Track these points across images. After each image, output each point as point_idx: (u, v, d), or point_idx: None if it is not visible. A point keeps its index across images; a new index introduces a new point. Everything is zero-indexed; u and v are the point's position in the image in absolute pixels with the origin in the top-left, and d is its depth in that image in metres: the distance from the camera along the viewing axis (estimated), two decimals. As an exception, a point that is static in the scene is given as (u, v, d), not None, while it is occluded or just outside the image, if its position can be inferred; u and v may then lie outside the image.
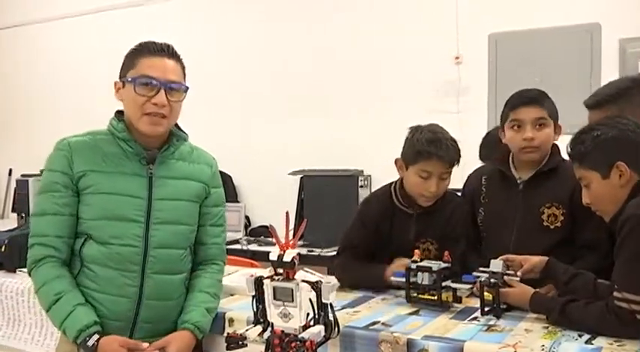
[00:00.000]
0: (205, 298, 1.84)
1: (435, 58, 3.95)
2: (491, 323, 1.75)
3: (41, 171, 1.89)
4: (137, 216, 1.74)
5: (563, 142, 1.87)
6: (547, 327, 1.68)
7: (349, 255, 2.20)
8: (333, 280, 1.81)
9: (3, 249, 2.61)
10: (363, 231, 2.17)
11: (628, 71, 3.34)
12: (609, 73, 3.44)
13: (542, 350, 1.52)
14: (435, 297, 1.88)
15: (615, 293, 1.57)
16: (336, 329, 1.46)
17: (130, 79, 1.74)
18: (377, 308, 1.93)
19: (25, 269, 1.81)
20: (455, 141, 2.06)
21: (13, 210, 4.81)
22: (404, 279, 1.94)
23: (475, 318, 1.80)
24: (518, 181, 2.11)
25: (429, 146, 2.00)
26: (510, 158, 2.15)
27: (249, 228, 4.51)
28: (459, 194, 2.30)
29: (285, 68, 4.45)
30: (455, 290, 1.89)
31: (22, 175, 4.81)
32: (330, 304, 1.44)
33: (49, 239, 1.72)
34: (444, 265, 1.89)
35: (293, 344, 1.38)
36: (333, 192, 3.97)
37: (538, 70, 3.62)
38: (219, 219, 1.93)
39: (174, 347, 1.71)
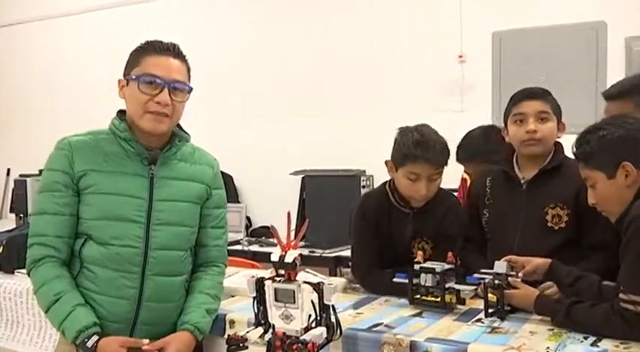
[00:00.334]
0: (206, 299, 1.84)
1: (439, 56, 3.95)
2: (496, 325, 1.75)
3: (40, 171, 1.90)
4: (138, 217, 1.74)
5: (568, 141, 1.87)
6: (552, 329, 1.69)
7: (367, 269, 2.17)
8: (334, 281, 1.81)
9: (1, 250, 2.61)
10: (366, 230, 2.17)
11: (634, 70, 3.33)
12: (615, 72, 3.44)
13: (547, 352, 1.53)
14: (439, 299, 1.88)
15: (621, 295, 1.57)
16: (338, 331, 1.46)
17: (134, 77, 1.74)
18: (380, 310, 1.94)
19: (23, 271, 1.82)
20: (443, 143, 2.05)
21: (11, 210, 4.82)
22: (407, 280, 1.94)
23: (479, 320, 1.80)
24: (522, 181, 2.11)
25: (415, 149, 2.00)
26: (514, 158, 2.15)
27: (250, 229, 4.52)
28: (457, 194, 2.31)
29: (285, 68, 4.46)
30: (458, 291, 1.89)
31: (21, 175, 4.81)
32: (332, 305, 1.44)
33: (48, 239, 1.73)
34: (447, 266, 1.90)
35: (294, 347, 1.38)
36: (335, 193, 3.96)
37: (543, 69, 3.62)
38: (220, 220, 1.94)
39: (174, 347, 1.71)
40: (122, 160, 1.77)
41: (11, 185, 5.04)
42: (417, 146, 2.00)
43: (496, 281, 1.82)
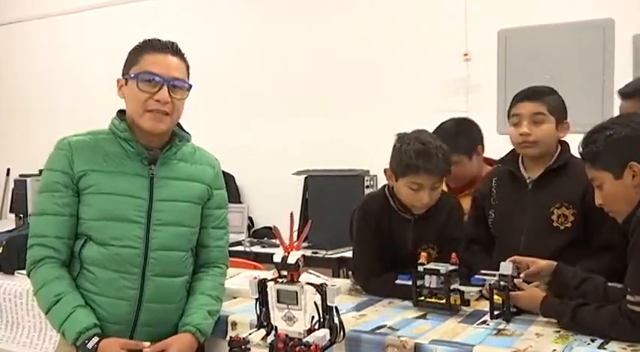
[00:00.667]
0: (207, 301, 1.84)
1: (443, 55, 3.95)
2: (501, 327, 1.75)
3: (40, 171, 1.90)
4: (138, 217, 1.75)
5: (575, 141, 1.87)
6: (558, 331, 1.68)
7: (368, 270, 2.16)
8: (338, 282, 1.82)
9: (1, 251, 2.62)
10: (367, 231, 2.16)
11: (642, 68, 3.34)
12: (623, 71, 3.44)
13: (553, 354, 1.53)
14: (443, 300, 1.88)
15: (628, 297, 1.56)
16: (342, 333, 1.46)
17: (132, 75, 1.75)
18: (383, 312, 1.94)
19: (23, 272, 1.83)
20: (444, 149, 2.03)
21: (11, 210, 4.83)
22: (410, 282, 1.94)
23: (484, 322, 1.80)
24: (528, 181, 2.11)
25: (417, 159, 1.97)
26: (520, 158, 2.15)
27: (252, 230, 4.52)
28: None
29: (285, 68, 4.48)
30: (463, 293, 1.89)
31: (20, 175, 4.82)
32: (336, 307, 1.44)
33: (48, 239, 1.73)
34: (451, 267, 1.89)
35: (297, 349, 1.39)
36: (339, 193, 3.96)
37: (549, 67, 3.62)
38: (221, 221, 1.94)
39: (175, 349, 1.71)
40: (122, 160, 1.77)
41: (11, 185, 5.06)
42: (419, 156, 1.97)
43: (501, 283, 1.82)
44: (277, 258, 1.43)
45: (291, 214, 1.48)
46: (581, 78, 3.56)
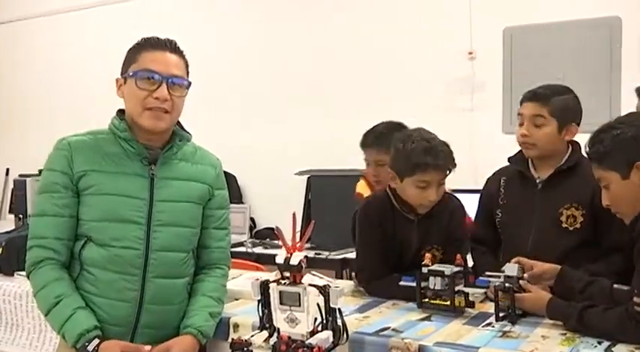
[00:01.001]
0: (209, 302, 1.84)
1: (448, 54, 3.94)
2: (507, 329, 1.75)
3: (39, 171, 1.91)
4: (138, 218, 1.75)
5: (583, 141, 1.86)
6: (565, 333, 1.68)
7: (372, 272, 2.15)
8: (341, 284, 1.82)
9: (0, 252, 2.63)
10: (370, 232, 2.16)
11: (650, 67, 3.33)
12: (630, 69, 3.43)
13: (560, 357, 1.53)
14: (448, 302, 1.88)
15: (635, 299, 1.56)
16: (345, 335, 1.46)
17: (131, 74, 1.75)
18: (387, 314, 1.94)
19: (23, 273, 1.83)
20: (447, 145, 2.04)
21: (11, 211, 4.83)
22: (414, 284, 1.94)
23: (489, 324, 1.80)
24: (537, 181, 2.11)
25: (425, 156, 1.98)
26: (530, 158, 2.15)
27: (255, 230, 4.52)
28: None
29: (285, 68, 4.49)
30: (468, 294, 1.89)
31: (20, 175, 4.83)
32: (339, 309, 1.44)
33: (48, 241, 1.73)
34: (456, 269, 1.89)
35: (300, 351, 1.39)
36: (342, 193, 3.95)
37: (555, 66, 3.61)
38: (223, 221, 1.94)
39: (176, 351, 1.71)
40: (122, 160, 1.77)
41: (10, 185, 5.06)
42: (427, 154, 1.98)
43: (507, 284, 1.82)
44: (280, 259, 1.43)
45: (294, 215, 1.49)
46: (588, 76, 3.55)
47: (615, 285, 1.74)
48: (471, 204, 2.31)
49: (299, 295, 1.42)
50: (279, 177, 4.41)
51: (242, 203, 4.54)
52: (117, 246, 1.73)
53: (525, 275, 1.85)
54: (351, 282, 2.29)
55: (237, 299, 2.10)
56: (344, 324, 1.46)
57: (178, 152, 1.85)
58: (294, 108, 4.45)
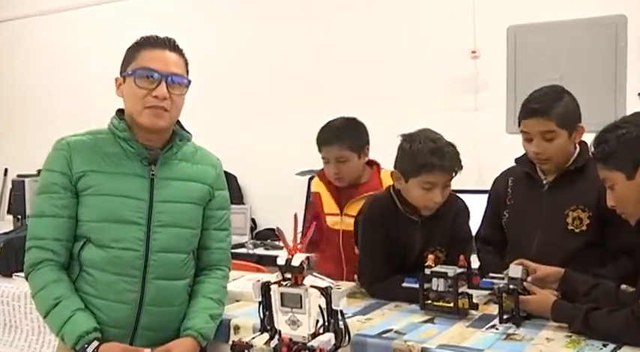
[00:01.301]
0: (209, 304, 1.84)
1: (451, 53, 3.94)
2: (511, 331, 1.75)
3: (38, 171, 1.91)
4: (138, 219, 1.75)
5: (589, 141, 1.86)
6: (570, 336, 1.68)
7: (374, 275, 2.16)
8: (343, 285, 1.82)
9: (-1, 253, 2.63)
10: (373, 234, 2.16)
11: (655, 66, 3.33)
12: (635, 68, 3.43)
13: (565, 360, 1.53)
14: (451, 304, 1.88)
15: (641, 301, 1.56)
16: (347, 337, 1.46)
17: (130, 72, 1.75)
18: (390, 316, 1.94)
19: (21, 274, 1.83)
20: (454, 146, 2.04)
21: (9, 211, 4.83)
22: (417, 285, 1.94)
23: (493, 326, 1.80)
24: (544, 182, 2.11)
25: (432, 157, 1.98)
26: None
27: (255, 231, 4.52)
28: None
29: (285, 68, 4.50)
30: (471, 296, 1.89)
31: (18, 175, 4.82)
32: (341, 311, 1.44)
33: (47, 242, 1.73)
34: (459, 270, 1.89)
35: (301, 353, 1.39)
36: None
37: (559, 65, 3.61)
38: (223, 222, 1.94)
39: (177, 353, 1.72)
40: (122, 161, 1.77)
41: (9, 185, 5.07)
42: (434, 154, 1.98)
43: (511, 286, 1.82)
44: (281, 261, 1.43)
45: (295, 215, 1.49)
46: (593, 75, 3.54)
47: (622, 286, 1.74)
48: (474, 205, 2.30)
49: (300, 297, 1.42)
50: (280, 177, 4.41)
51: (243, 204, 4.54)
52: (116, 247, 1.73)
53: (529, 278, 1.85)
54: (354, 284, 2.29)
55: (237, 301, 2.11)
56: (346, 326, 1.46)
57: (178, 152, 1.85)
58: (294, 108, 4.46)
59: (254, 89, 4.63)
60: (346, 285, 2.24)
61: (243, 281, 2.26)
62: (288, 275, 1.44)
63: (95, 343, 1.66)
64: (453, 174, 2.04)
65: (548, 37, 3.72)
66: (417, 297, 1.94)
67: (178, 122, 1.87)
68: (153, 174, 1.79)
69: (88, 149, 1.77)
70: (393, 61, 4.13)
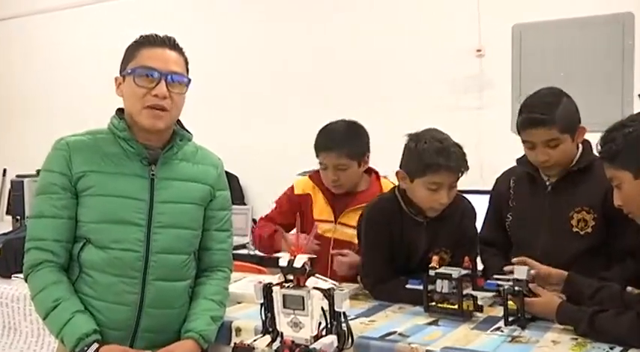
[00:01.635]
0: (210, 306, 1.84)
1: (456, 51, 3.94)
2: (516, 333, 1.75)
3: (37, 172, 1.91)
4: (138, 220, 1.75)
5: (595, 140, 1.86)
6: (576, 338, 1.68)
7: (377, 277, 2.15)
8: (346, 287, 1.81)
9: (-2, 254, 2.64)
10: (377, 235, 2.15)
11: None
12: (643, 67, 3.42)
13: (571, 362, 1.53)
14: (455, 306, 1.88)
15: (648, 302, 1.56)
16: (350, 339, 1.46)
17: (129, 71, 1.75)
18: (393, 318, 1.94)
19: (21, 275, 1.83)
20: (460, 146, 2.03)
21: (8, 212, 4.84)
22: (420, 287, 1.94)
23: (498, 328, 1.80)
24: (547, 183, 2.10)
25: (438, 157, 1.97)
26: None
27: (257, 232, 4.51)
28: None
29: (285, 68, 4.51)
30: (476, 298, 1.89)
31: (17, 176, 4.83)
32: (344, 313, 1.44)
33: (46, 243, 1.74)
34: (464, 272, 1.89)
35: (304, 356, 1.39)
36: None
37: (565, 63, 3.60)
38: (225, 223, 1.94)
39: (178, 356, 1.72)
40: (121, 161, 1.78)
41: (8, 186, 5.08)
42: (440, 154, 1.98)
43: (516, 288, 1.82)
44: (283, 262, 1.43)
45: (297, 216, 1.49)
46: (600, 74, 3.54)
47: (627, 288, 1.74)
48: (478, 205, 2.30)
49: (303, 298, 1.42)
50: (281, 177, 4.41)
51: (244, 204, 4.54)
52: (116, 248, 1.73)
53: (532, 271, 1.84)
54: (357, 285, 2.29)
55: (239, 303, 2.11)
56: (349, 328, 1.46)
57: (179, 152, 1.85)
58: (294, 108, 4.47)
59: (254, 89, 4.64)
60: (349, 287, 2.24)
61: (245, 283, 2.26)
62: (291, 277, 1.44)
63: (95, 345, 1.66)
64: (460, 174, 2.03)
65: (554, 36, 3.72)
66: (421, 299, 1.94)
67: (179, 121, 1.87)
68: (153, 175, 1.79)
69: (88, 149, 1.77)
70: (393, 60, 4.13)
